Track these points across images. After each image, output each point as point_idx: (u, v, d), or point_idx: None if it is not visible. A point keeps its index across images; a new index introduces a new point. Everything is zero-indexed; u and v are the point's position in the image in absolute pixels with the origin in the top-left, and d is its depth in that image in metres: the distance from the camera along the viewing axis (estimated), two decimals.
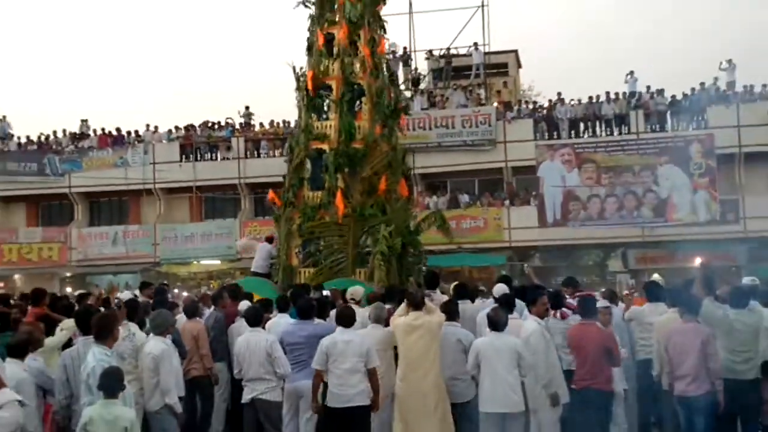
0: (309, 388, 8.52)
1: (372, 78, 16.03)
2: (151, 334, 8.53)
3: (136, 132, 33.96)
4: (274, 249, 16.33)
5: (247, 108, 34.37)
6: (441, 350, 8.53)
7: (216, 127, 34.06)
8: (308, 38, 16.56)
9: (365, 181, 15.52)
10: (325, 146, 15.78)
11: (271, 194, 16.98)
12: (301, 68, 16.48)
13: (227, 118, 34.13)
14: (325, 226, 15.43)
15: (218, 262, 31.72)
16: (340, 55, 16.02)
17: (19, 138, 34.73)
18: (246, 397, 8.64)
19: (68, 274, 32.67)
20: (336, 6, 16.21)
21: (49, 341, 8.64)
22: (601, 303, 9.62)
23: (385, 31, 16.74)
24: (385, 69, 16.57)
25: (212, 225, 32.40)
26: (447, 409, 8.47)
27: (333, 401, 8.15)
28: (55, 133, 34.54)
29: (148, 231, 32.24)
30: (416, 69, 33.87)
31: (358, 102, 16.55)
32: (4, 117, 35.70)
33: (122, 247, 32.11)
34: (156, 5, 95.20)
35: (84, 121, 35.13)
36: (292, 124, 33.00)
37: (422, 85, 33.57)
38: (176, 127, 34.19)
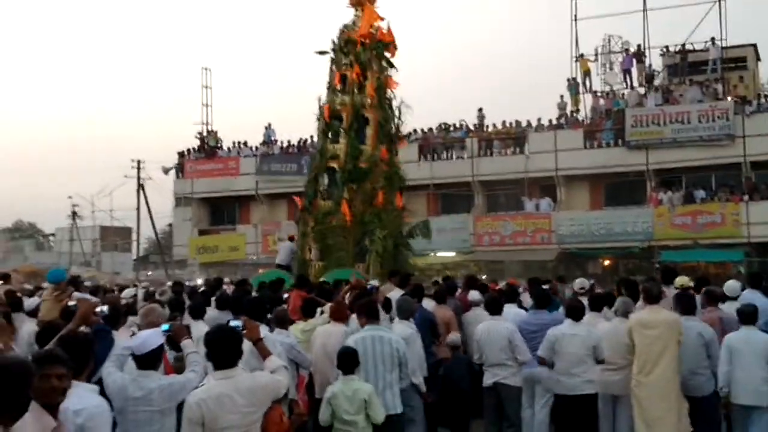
0: (546, 375, 8.60)
1: (376, 110, 18.20)
2: (397, 319, 8.80)
3: None
4: (295, 246, 18.61)
5: (480, 110, 34.58)
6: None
7: (451, 128, 34.56)
8: (328, 77, 18.96)
9: (366, 194, 17.87)
10: (335, 165, 18.10)
11: (297, 199, 19.40)
12: (321, 101, 19.01)
13: (461, 120, 34.59)
14: (331, 229, 17.74)
15: (453, 254, 32.13)
16: (350, 92, 18.30)
17: (281, 142, 37.34)
18: (487, 381, 8.65)
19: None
20: (350, 51, 18.53)
21: (311, 322, 8.98)
22: None
23: (389, 70, 18.82)
24: (389, 102, 18.67)
25: (447, 220, 32.85)
26: (685, 405, 8.06)
27: (560, 389, 8.27)
28: (311, 136, 36.69)
29: None
30: (650, 65, 32.38)
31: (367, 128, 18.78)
32: (270, 124, 38.54)
33: None
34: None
35: None
36: (524, 124, 32.90)
37: (656, 81, 31.98)
38: (415, 130, 35.10)
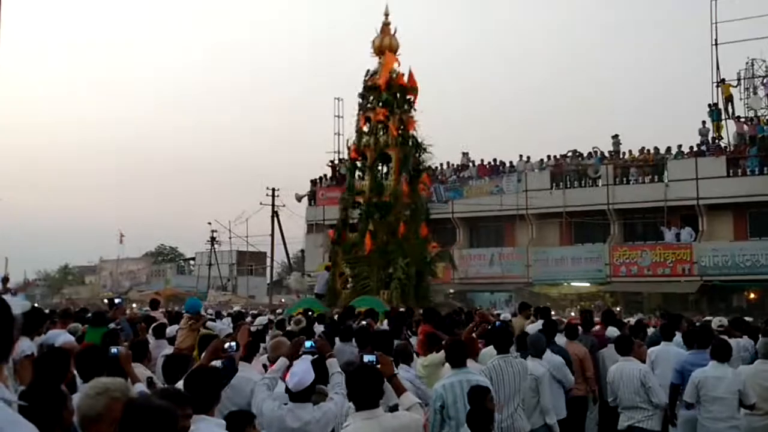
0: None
1: (398, 149, 19.49)
2: (530, 356, 8.58)
3: (510, 162, 34.93)
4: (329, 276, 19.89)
5: (615, 137, 33.66)
6: None
7: (585, 156, 33.79)
8: (356, 120, 20.32)
9: (390, 225, 19.10)
10: (361, 200, 19.54)
11: (330, 233, 20.89)
12: (348, 141, 20.75)
13: (594, 147, 33.81)
14: (357, 259, 19.10)
15: (588, 284, 31.30)
16: (373, 132, 19.83)
17: None
18: (622, 424, 8.32)
19: (451, 291, 34.51)
20: (373, 96, 19.95)
21: (431, 357, 8.62)
22: None
23: (412, 112, 20.18)
24: (412, 140, 19.85)
25: (582, 249, 32.14)
26: None
27: None
28: (441, 165, 36.88)
29: (521, 254, 32.85)
30: None
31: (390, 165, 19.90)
32: None
33: (498, 267, 33.11)
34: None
35: (465, 154, 37.01)
36: (662, 151, 31.71)
37: None
38: (548, 157, 34.57)
